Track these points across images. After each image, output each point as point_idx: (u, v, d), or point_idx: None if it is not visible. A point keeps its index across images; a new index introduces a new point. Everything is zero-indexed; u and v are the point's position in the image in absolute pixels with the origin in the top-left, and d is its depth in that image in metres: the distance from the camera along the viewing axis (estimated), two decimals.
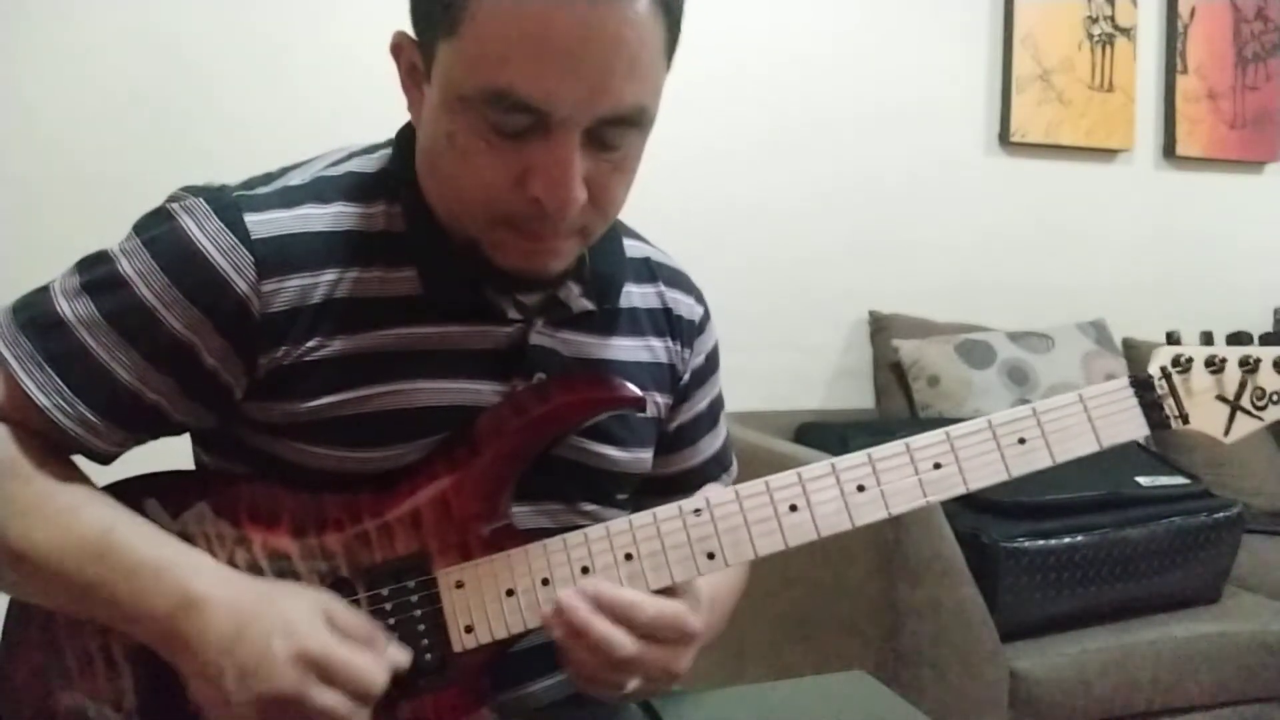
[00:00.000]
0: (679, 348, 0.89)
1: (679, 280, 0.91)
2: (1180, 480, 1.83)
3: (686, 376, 0.91)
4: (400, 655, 0.70)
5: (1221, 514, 1.78)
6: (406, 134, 0.78)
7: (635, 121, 0.68)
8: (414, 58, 0.71)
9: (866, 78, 2.45)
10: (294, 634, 0.65)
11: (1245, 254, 2.81)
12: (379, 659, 0.68)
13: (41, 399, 0.70)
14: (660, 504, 0.74)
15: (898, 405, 2.35)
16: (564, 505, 0.82)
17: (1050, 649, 1.64)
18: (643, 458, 0.86)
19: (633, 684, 0.71)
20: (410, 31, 0.72)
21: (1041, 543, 1.64)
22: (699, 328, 0.92)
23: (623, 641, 0.68)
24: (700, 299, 0.93)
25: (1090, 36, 2.62)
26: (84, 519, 0.69)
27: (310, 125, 2.00)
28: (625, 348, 0.84)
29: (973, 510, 1.67)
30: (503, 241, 0.71)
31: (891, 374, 2.37)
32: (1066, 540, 1.65)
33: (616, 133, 0.68)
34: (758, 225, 2.38)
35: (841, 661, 1.65)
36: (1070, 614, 1.69)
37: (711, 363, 0.94)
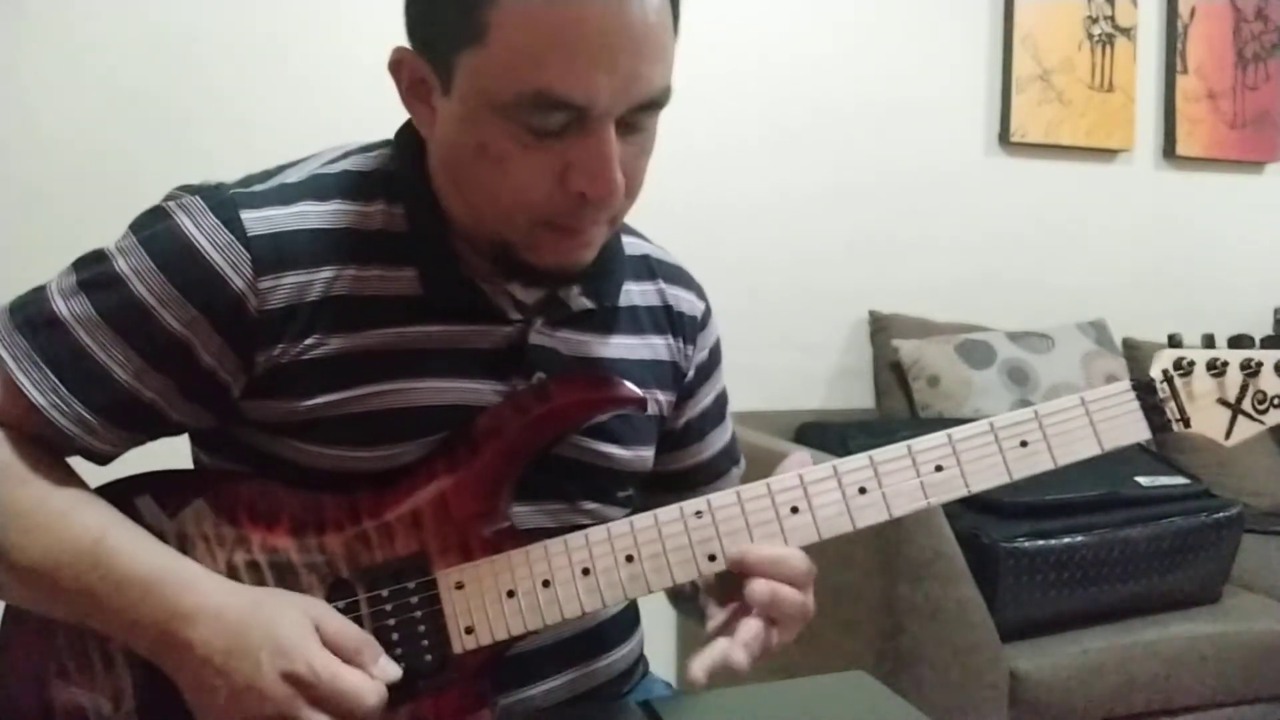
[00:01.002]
0: (681, 344, 0.89)
1: (679, 276, 0.91)
2: (1180, 480, 1.83)
3: (691, 373, 0.91)
4: (391, 669, 0.69)
5: (1221, 514, 1.78)
6: (407, 135, 0.78)
7: (663, 102, 0.69)
8: (420, 73, 0.71)
9: (866, 77, 2.45)
10: (282, 652, 0.65)
11: (1245, 254, 2.81)
12: (369, 675, 0.67)
13: (38, 398, 0.70)
14: (672, 500, 0.74)
15: (898, 405, 2.35)
16: (565, 504, 0.82)
17: (1050, 649, 1.64)
18: (644, 455, 0.86)
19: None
20: (407, 45, 0.71)
21: (1041, 543, 1.64)
22: (701, 323, 0.92)
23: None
24: (701, 294, 0.93)
25: (1090, 36, 2.62)
26: (76, 526, 0.69)
27: (311, 125, 2.00)
28: (625, 346, 0.84)
29: (973, 510, 1.67)
30: (540, 242, 0.72)
31: (891, 374, 2.37)
32: (1066, 540, 1.65)
33: (645, 116, 0.69)
34: (757, 224, 2.38)
35: (841, 661, 1.65)
36: (1070, 614, 1.69)
37: (715, 357, 0.94)
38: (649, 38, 0.65)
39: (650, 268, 0.89)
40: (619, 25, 0.64)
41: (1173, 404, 0.76)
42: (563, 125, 0.66)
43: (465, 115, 0.68)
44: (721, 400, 0.96)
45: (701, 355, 0.92)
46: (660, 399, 0.88)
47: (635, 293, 0.87)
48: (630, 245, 0.88)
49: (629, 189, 0.71)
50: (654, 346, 0.87)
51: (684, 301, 0.90)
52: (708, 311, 0.93)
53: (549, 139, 0.67)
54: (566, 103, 0.65)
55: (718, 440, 0.96)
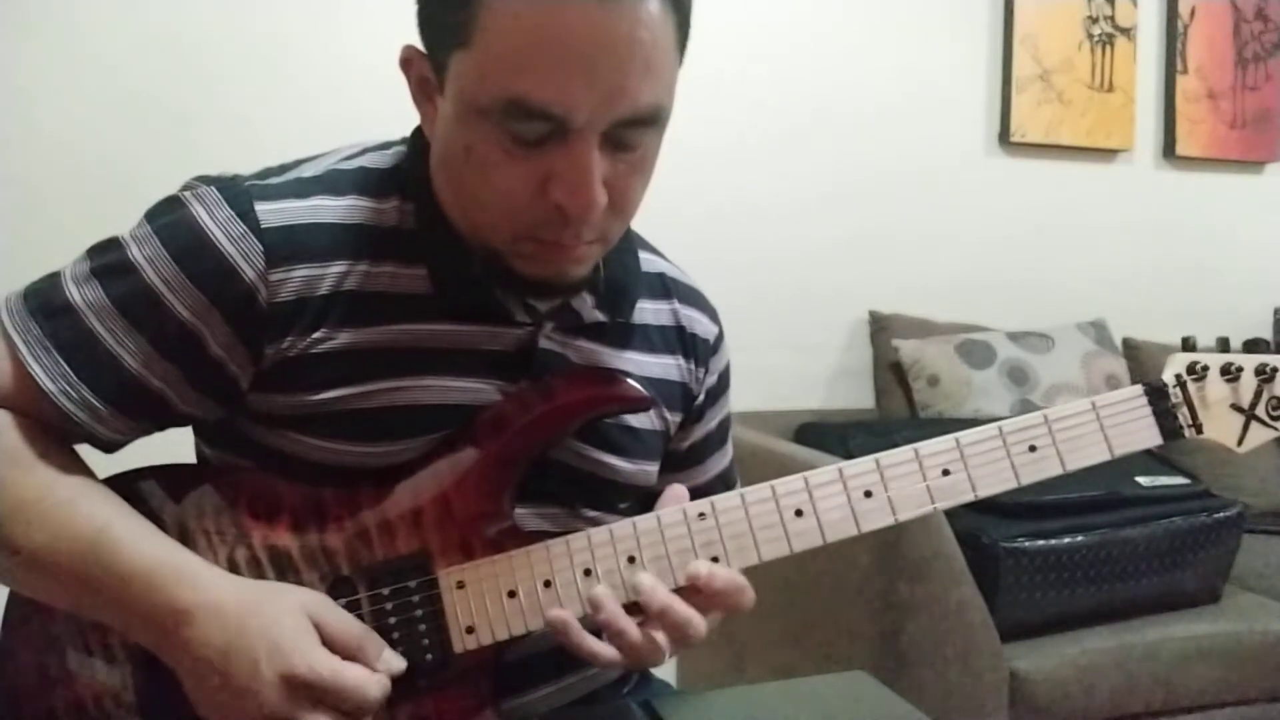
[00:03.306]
0: (693, 366, 0.89)
1: (695, 298, 0.91)
2: (1180, 480, 1.83)
3: (701, 396, 0.90)
4: (395, 661, 0.69)
5: (1221, 514, 1.78)
6: (419, 133, 0.78)
7: (652, 121, 0.68)
8: (424, 70, 0.71)
9: (866, 77, 2.45)
10: (281, 653, 0.65)
11: (1245, 254, 2.81)
12: (371, 671, 0.67)
13: (47, 384, 0.70)
14: None
15: (898, 405, 2.35)
16: (564, 510, 0.81)
17: (1050, 649, 1.64)
18: (647, 470, 0.86)
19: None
20: (419, 44, 0.71)
21: (1041, 543, 1.64)
22: (713, 347, 0.91)
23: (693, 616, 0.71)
24: (715, 318, 0.93)
25: (1090, 36, 2.62)
26: (81, 515, 0.69)
27: (311, 124, 1.99)
28: (637, 362, 0.84)
29: (973, 510, 1.66)
30: (525, 252, 0.71)
31: (891, 374, 2.37)
32: (1066, 540, 1.65)
33: (634, 133, 0.67)
34: (757, 224, 2.37)
35: (841, 661, 1.65)
36: (1070, 614, 1.69)
37: (724, 382, 0.94)
38: (637, 52, 0.64)
39: (666, 286, 0.89)
40: (603, 37, 0.62)
41: (1185, 410, 0.75)
42: (543, 135, 0.65)
43: (455, 117, 0.68)
44: (725, 425, 0.96)
45: (711, 379, 0.92)
46: (668, 418, 0.87)
47: (649, 311, 0.86)
48: (647, 262, 0.87)
49: (618, 207, 0.70)
50: (665, 366, 0.86)
51: (698, 324, 0.90)
52: (720, 335, 0.93)
53: (531, 148, 0.66)
54: (543, 112, 0.64)
55: (716, 465, 0.95)
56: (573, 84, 0.63)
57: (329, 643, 0.67)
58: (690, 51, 0.71)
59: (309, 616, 0.67)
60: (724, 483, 0.96)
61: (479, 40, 0.64)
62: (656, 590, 0.70)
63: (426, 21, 0.70)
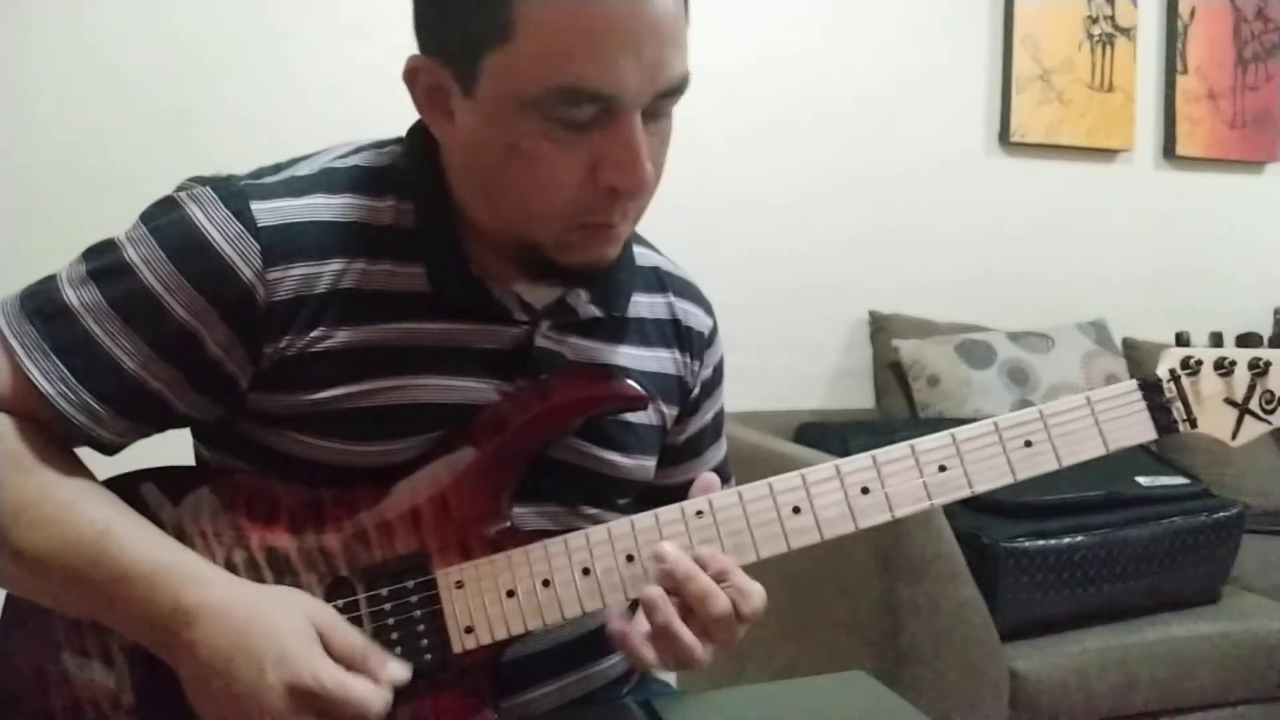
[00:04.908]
0: (688, 359, 0.89)
1: (689, 291, 0.91)
2: (1180, 480, 1.83)
3: (696, 389, 0.91)
4: (400, 672, 0.69)
5: (1221, 514, 1.78)
6: (419, 134, 0.78)
7: (683, 90, 0.70)
8: (437, 79, 0.71)
9: (866, 77, 2.45)
10: (287, 661, 0.64)
11: (1245, 254, 2.81)
12: (375, 682, 0.67)
13: (46, 386, 0.70)
14: None
15: (898, 405, 2.35)
16: (565, 508, 0.81)
17: (1050, 649, 1.64)
18: (646, 465, 0.86)
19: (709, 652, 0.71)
20: (420, 54, 0.71)
21: (1041, 543, 1.63)
22: (708, 340, 0.92)
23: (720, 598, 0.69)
24: (709, 310, 0.93)
25: (1090, 36, 2.62)
26: (81, 517, 0.69)
27: (313, 123, 2.00)
28: (633, 356, 0.84)
29: (973, 510, 1.67)
30: (572, 241, 0.72)
31: (891, 374, 2.37)
32: (1066, 540, 1.65)
33: (667, 104, 0.70)
34: (758, 224, 2.38)
35: (841, 661, 1.65)
36: (1070, 614, 1.69)
37: (718, 374, 0.94)
38: (668, 24, 0.66)
39: (660, 280, 0.89)
40: (642, 13, 0.64)
41: (1179, 404, 0.75)
42: (592, 117, 0.66)
43: (491, 117, 0.68)
44: (719, 417, 0.96)
45: (706, 372, 0.92)
46: (665, 412, 0.87)
47: (644, 305, 0.86)
48: (641, 256, 0.88)
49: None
50: (661, 360, 0.87)
51: (693, 316, 0.90)
52: (715, 328, 0.93)
53: (577, 133, 0.67)
54: (596, 94, 0.65)
55: (713, 457, 0.96)
56: (622, 62, 0.64)
57: (332, 652, 0.67)
58: (692, 50, 0.71)
59: (314, 624, 0.67)
60: (720, 475, 0.96)
61: (521, 35, 0.64)
62: (680, 558, 0.70)
63: (444, 27, 0.69)
